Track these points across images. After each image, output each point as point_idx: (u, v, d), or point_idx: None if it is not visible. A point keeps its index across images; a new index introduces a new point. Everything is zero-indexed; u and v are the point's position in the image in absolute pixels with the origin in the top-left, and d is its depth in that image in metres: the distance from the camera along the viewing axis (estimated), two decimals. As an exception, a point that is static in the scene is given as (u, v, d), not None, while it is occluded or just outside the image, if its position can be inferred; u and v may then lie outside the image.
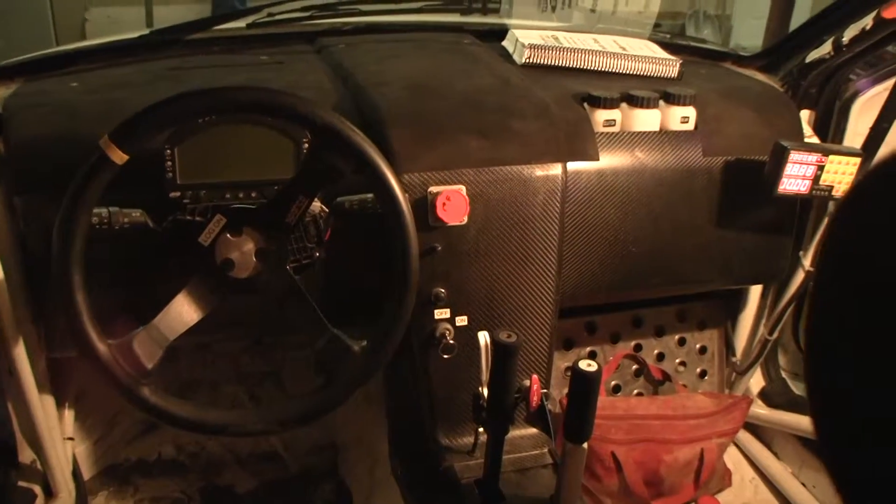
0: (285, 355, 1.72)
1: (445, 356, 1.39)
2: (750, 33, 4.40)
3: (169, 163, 1.21)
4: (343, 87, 1.50)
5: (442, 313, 1.40)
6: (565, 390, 1.90)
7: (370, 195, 1.26)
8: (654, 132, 1.57)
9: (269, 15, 1.77)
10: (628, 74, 1.72)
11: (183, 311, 1.11)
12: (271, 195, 1.20)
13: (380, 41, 1.77)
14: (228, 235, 1.12)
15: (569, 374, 1.91)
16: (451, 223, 1.34)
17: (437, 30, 1.91)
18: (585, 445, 1.24)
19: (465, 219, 1.35)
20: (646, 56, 1.73)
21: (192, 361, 1.48)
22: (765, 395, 2.04)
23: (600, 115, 1.53)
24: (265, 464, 1.92)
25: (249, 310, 1.26)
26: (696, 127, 1.59)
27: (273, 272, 1.14)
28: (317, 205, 1.22)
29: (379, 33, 1.82)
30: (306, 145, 1.24)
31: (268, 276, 1.14)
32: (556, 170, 1.44)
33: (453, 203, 1.33)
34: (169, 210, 1.20)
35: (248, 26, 1.71)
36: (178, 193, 1.22)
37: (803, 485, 1.91)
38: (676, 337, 2.03)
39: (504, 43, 1.80)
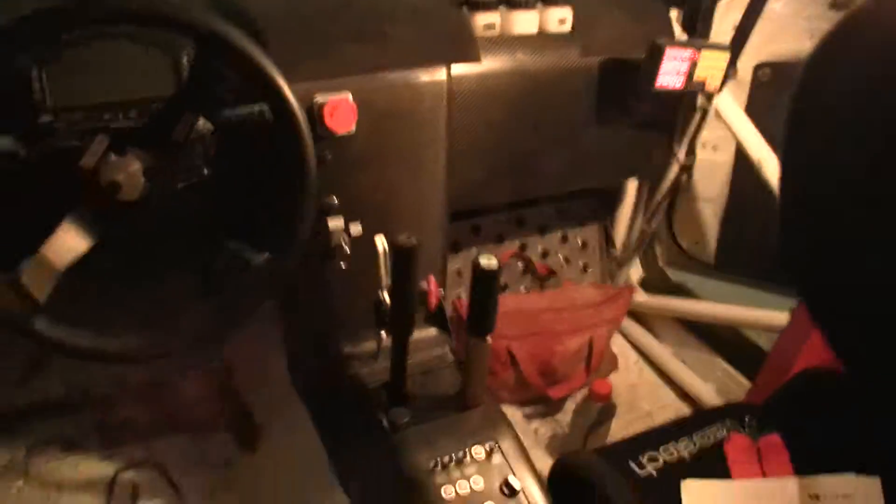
0: (175, 282, 1.69)
1: (342, 264, 1.39)
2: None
3: (37, 84, 1.13)
4: None
5: (336, 222, 1.39)
6: (456, 291, 1.95)
7: (256, 107, 1.23)
8: (534, 35, 1.58)
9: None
10: (505, -24, 1.71)
11: (69, 239, 1.06)
12: (154, 113, 1.15)
13: None
14: (113, 156, 1.06)
15: (459, 276, 1.96)
16: (340, 132, 1.33)
17: None
18: (489, 339, 1.29)
19: (354, 127, 1.34)
20: (520, -44, 1.73)
21: (72, 295, 1.42)
22: (644, 284, 2.15)
23: (480, 19, 1.52)
24: (160, 393, 1.89)
25: (135, 235, 1.22)
26: (573, 28, 1.61)
27: (163, 192, 1.10)
28: (200, 120, 1.17)
29: None
30: (186, 58, 1.19)
31: (158, 197, 1.10)
32: (440, 74, 1.44)
33: (341, 111, 1.31)
34: (42, 136, 1.13)
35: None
36: (50, 117, 1.15)
37: (684, 363, 2.04)
38: (559, 234, 2.10)
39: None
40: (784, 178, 0.57)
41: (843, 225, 0.52)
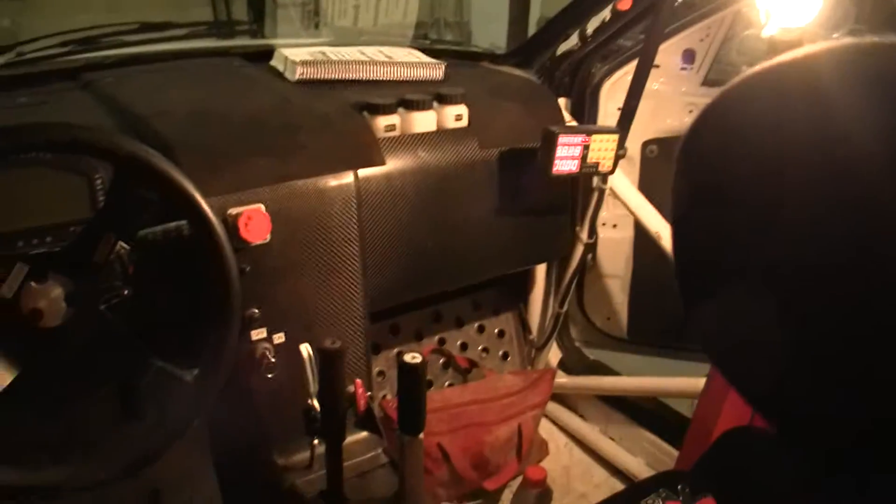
0: (101, 405, 1.63)
1: (269, 375, 1.38)
2: (487, 36, 4.68)
3: None
4: (120, 121, 1.44)
5: (259, 333, 1.39)
6: (381, 393, 1.95)
7: (173, 224, 1.23)
8: (433, 132, 1.64)
9: (19, 54, 1.67)
10: (398, 81, 1.78)
11: None
12: (68, 238, 1.14)
13: (149, 71, 1.72)
14: (33, 284, 1.05)
15: (380, 378, 1.96)
16: (255, 242, 1.34)
17: (204, 55, 1.88)
18: (422, 436, 1.29)
19: (269, 236, 1.35)
20: (412, 62, 1.80)
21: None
22: (563, 365, 2.18)
23: (381, 122, 1.58)
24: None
25: (57, 360, 1.19)
26: (469, 123, 1.68)
27: (87, 316, 1.08)
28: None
29: (146, 63, 1.76)
30: (99, 180, 1.19)
31: (81, 321, 1.08)
32: (348, 178, 1.47)
33: (255, 222, 1.33)
34: None
35: (1, 67, 1.60)
36: None
37: (612, 439, 2.07)
38: (475, 325, 2.12)
39: (273, 63, 1.81)
40: (676, 244, 0.62)
41: (738, 286, 0.57)
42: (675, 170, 0.59)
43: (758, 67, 0.52)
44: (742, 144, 0.53)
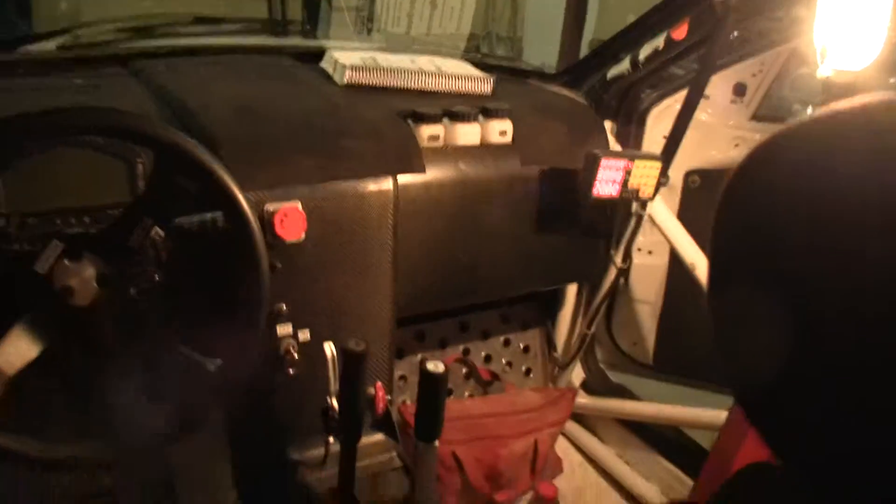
0: (125, 387, 1.66)
1: (291, 371, 1.40)
2: (538, 53, 4.67)
3: None
4: (167, 110, 1.47)
5: (284, 329, 1.41)
6: (400, 398, 1.96)
7: (209, 215, 1.26)
8: (476, 145, 1.65)
9: (76, 37, 1.71)
10: (446, 92, 1.80)
11: (21, 345, 1.06)
12: (105, 220, 1.17)
13: (199, 63, 1.75)
14: (66, 262, 1.07)
15: (401, 382, 1.97)
16: (290, 240, 1.35)
17: (256, 52, 1.91)
18: (437, 443, 1.30)
19: (303, 235, 1.37)
20: (461, 74, 1.81)
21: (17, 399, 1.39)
22: (585, 386, 2.18)
23: (425, 131, 1.59)
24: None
25: (85, 340, 1.22)
26: (513, 139, 1.69)
27: (116, 298, 1.11)
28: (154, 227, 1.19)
29: (197, 56, 1.80)
30: (140, 166, 1.21)
31: (111, 302, 1.11)
32: (387, 184, 1.49)
33: (290, 219, 1.35)
34: None
35: (58, 48, 1.64)
36: (3, 222, 1.16)
37: (627, 464, 2.06)
38: (501, 338, 2.12)
39: (322, 64, 1.83)
40: (712, 283, 0.62)
41: (771, 330, 0.57)
42: (718, 208, 0.59)
43: (814, 113, 0.53)
44: (792, 189, 0.53)
